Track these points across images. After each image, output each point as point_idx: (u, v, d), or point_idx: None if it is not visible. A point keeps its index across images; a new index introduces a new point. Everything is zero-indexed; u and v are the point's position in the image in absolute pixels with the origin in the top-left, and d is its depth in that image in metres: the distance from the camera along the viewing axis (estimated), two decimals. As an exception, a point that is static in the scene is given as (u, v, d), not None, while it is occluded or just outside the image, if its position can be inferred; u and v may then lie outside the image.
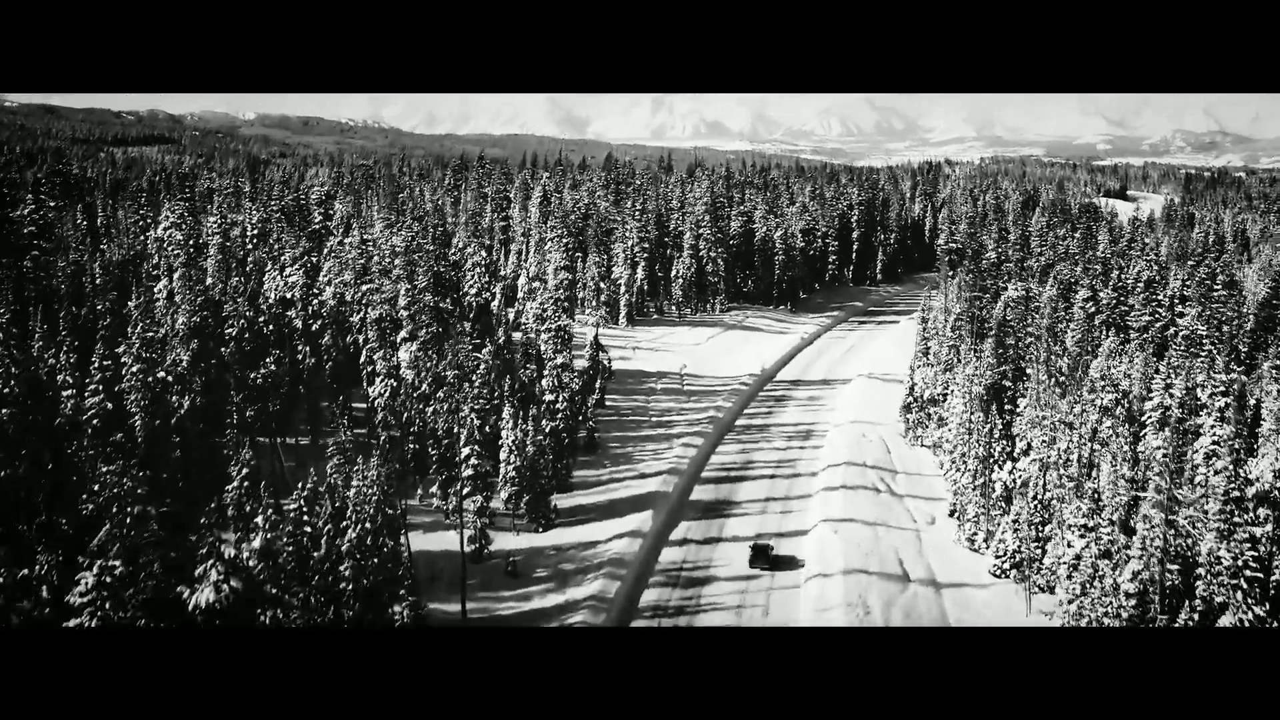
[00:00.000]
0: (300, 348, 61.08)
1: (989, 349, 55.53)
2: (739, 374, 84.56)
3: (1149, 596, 34.01)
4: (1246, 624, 30.93)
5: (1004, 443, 50.23)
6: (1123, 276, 74.66)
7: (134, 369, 43.27)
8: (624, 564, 46.76)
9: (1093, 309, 67.90)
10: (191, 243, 74.38)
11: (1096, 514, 37.45)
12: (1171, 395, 46.31)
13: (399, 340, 60.17)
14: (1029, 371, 51.31)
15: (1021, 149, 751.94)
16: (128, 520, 24.19)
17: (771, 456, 65.30)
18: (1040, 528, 44.05)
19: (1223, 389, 44.46)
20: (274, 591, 26.41)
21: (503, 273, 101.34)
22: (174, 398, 47.59)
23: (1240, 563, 31.90)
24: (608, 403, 72.46)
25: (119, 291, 61.57)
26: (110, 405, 41.98)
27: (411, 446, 55.84)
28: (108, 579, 21.78)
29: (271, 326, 61.76)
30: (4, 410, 33.50)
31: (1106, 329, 64.64)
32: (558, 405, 58.63)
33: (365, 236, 73.62)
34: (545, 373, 60.31)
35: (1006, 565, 45.86)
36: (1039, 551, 43.91)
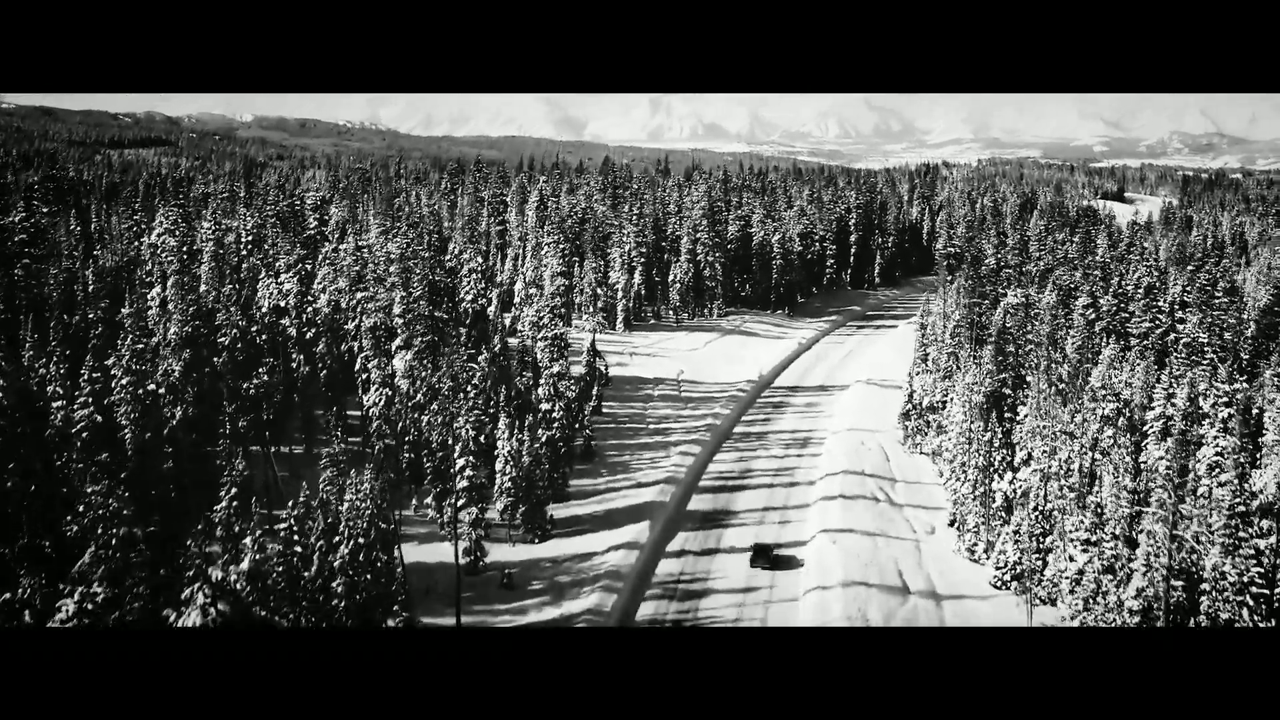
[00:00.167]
0: (294, 356, 60.55)
1: (989, 356, 55.03)
2: (737, 380, 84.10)
3: (1153, 613, 33.53)
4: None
5: (1004, 452, 49.82)
6: (1122, 282, 74.24)
7: (123, 381, 42.67)
8: (621, 576, 46.26)
9: (1093, 315, 67.47)
10: (185, 249, 73.72)
11: (1099, 528, 36.99)
12: (1173, 405, 45.89)
13: (394, 349, 59.61)
14: (1029, 379, 50.85)
15: (1019, 150, 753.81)
16: (113, 542, 23.68)
17: (769, 465, 64.82)
18: (1041, 539, 43.64)
19: (1226, 399, 44.00)
20: (263, 614, 25.91)
21: (499, 278, 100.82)
22: (166, 408, 47.00)
23: (1245, 579, 31.47)
24: (605, 410, 72.00)
25: (111, 299, 60.94)
26: (100, 418, 41.38)
27: (406, 456, 55.33)
28: (88, 605, 21.30)
29: (265, 335, 61.20)
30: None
31: (1107, 336, 64.17)
32: (554, 414, 58.15)
33: (360, 243, 72.99)
34: (541, 381, 59.81)
35: (1007, 576, 45.44)
36: (1040, 563, 43.49)
